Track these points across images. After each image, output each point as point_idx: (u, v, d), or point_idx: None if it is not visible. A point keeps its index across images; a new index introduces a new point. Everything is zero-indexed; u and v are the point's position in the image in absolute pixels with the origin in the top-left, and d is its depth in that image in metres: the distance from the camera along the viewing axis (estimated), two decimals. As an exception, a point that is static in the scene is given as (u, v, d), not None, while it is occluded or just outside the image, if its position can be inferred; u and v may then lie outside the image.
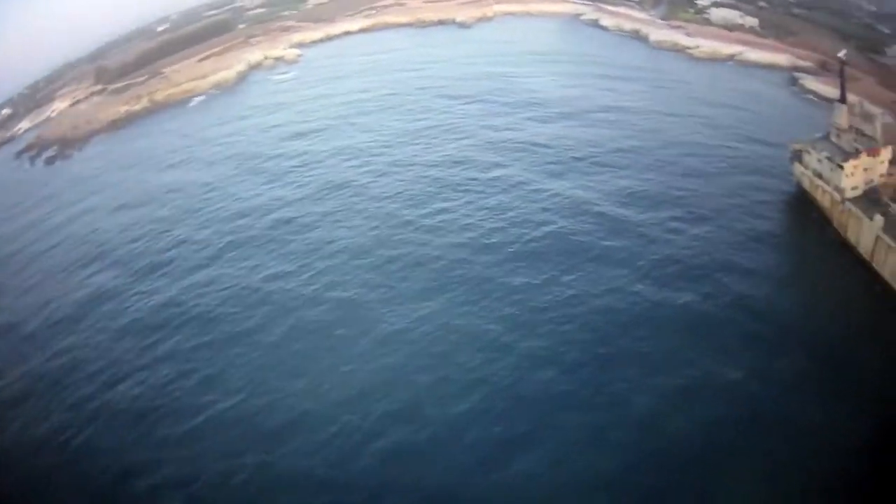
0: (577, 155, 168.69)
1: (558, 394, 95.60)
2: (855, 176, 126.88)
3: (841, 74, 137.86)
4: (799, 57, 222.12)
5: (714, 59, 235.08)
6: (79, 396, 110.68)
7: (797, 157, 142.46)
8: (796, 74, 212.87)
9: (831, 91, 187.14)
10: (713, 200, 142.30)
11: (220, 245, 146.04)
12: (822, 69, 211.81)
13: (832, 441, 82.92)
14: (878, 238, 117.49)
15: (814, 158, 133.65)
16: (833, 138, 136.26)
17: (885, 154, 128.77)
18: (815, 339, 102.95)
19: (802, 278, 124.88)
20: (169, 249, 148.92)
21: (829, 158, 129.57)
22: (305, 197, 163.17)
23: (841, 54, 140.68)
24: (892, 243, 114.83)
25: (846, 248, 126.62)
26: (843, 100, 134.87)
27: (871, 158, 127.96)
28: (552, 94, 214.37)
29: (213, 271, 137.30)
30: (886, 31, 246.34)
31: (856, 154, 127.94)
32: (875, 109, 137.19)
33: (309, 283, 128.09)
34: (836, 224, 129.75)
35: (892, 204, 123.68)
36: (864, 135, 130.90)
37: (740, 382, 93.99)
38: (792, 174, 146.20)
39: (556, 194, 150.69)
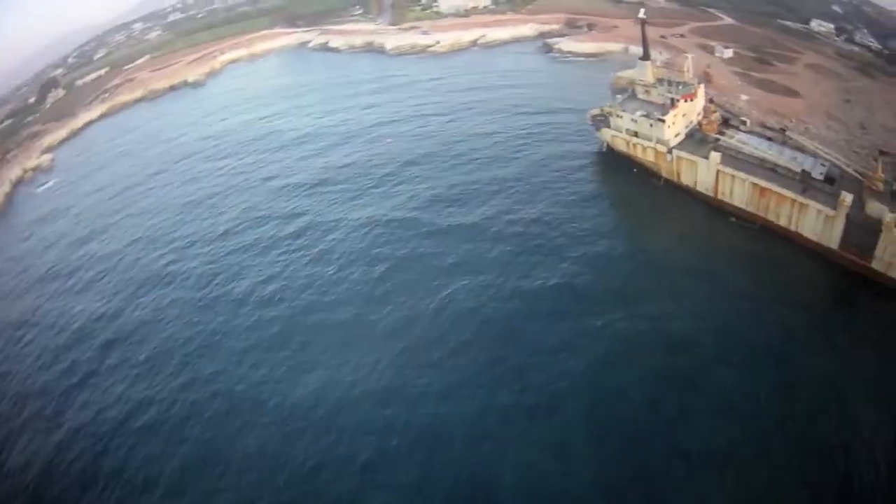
0: (370, 179, 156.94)
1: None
2: (676, 125, 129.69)
3: (643, 33, 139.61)
4: (543, 23, 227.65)
5: (459, 49, 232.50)
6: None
7: (603, 122, 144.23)
8: (548, 41, 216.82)
9: (586, 47, 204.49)
10: (531, 182, 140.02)
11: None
12: (569, 28, 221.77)
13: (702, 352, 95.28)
14: (718, 172, 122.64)
15: (626, 119, 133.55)
16: (641, 95, 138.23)
17: (700, 95, 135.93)
18: (703, 273, 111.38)
19: (657, 225, 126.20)
20: None
21: (645, 116, 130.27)
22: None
23: (641, 14, 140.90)
24: (735, 172, 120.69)
25: (682, 192, 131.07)
26: (646, 56, 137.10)
27: (688, 104, 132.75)
28: (313, 127, 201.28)
29: None
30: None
31: (672, 104, 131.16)
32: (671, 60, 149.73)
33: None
34: (665, 173, 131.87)
35: (719, 137, 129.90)
36: (673, 83, 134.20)
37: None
38: (597, 138, 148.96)
39: (375, 221, 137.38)
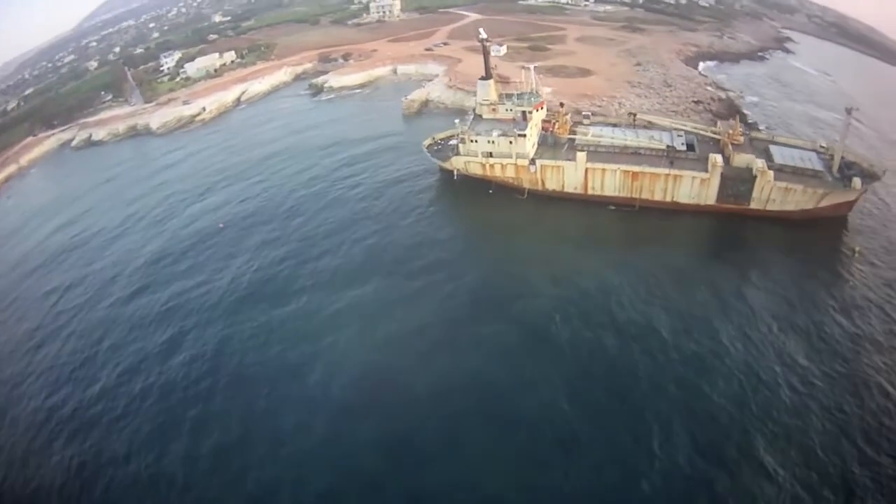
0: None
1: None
2: (532, 136, 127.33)
3: (484, 53, 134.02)
4: (296, 65, 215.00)
5: (227, 111, 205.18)
6: None
7: (440, 151, 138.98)
8: (315, 81, 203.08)
9: (356, 78, 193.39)
10: (388, 224, 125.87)
11: None
12: (323, 64, 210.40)
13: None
14: (587, 170, 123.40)
15: (483, 142, 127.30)
16: (487, 115, 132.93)
17: (544, 104, 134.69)
18: (609, 252, 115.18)
19: (539, 230, 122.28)
20: None
21: (504, 135, 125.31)
22: None
23: (481, 35, 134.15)
24: (605, 166, 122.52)
25: (549, 197, 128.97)
26: (488, 76, 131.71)
27: (539, 113, 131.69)
28: (112, 231, 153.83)
29: None
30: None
31: (524, 117, 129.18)
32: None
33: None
34: (528, 185, 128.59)
35: (573, 137, 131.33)
36: (524, 95, 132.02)
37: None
38: (439, 168, 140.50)
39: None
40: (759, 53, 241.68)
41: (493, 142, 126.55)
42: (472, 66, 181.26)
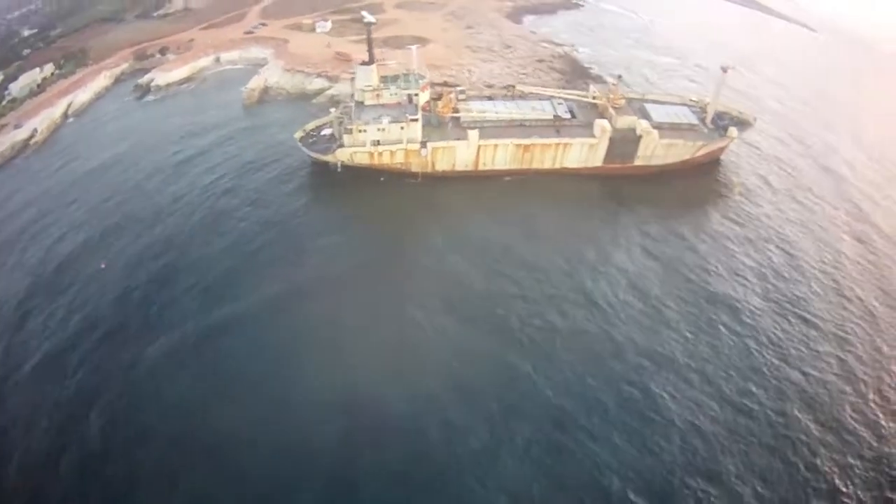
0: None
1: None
2: (420, 119, 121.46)
3: (368, 38, 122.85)
4: (113, 67, 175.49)
5: (57, 128, 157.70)
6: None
7: (314, 143, 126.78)
8: (140, 82, 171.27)
9: (180, 73, 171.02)
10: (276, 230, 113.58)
11: None
12: (140, 62, 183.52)
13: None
14: (479, 147, 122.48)
15: (372, 130, 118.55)
16: (370, 101, 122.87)
17: (428, 86, 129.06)
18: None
19: (443, 208, 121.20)
20: None
21: (395, 121, 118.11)
22: None
23: (368, 18, 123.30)
24: (497, 141, 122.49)
25: (440, 178, 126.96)
26: (371, 60, 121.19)
27: (424, 94, 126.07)
28: None
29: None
30: None
31: (410, 100, 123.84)
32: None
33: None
34: (419, 168, 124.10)
35: (457, 115, 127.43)
36: (411, 77, 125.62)
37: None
38: (314, 161, 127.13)
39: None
40: (574, 1, 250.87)
41: (383, 129, 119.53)
42: (302, 47, 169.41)
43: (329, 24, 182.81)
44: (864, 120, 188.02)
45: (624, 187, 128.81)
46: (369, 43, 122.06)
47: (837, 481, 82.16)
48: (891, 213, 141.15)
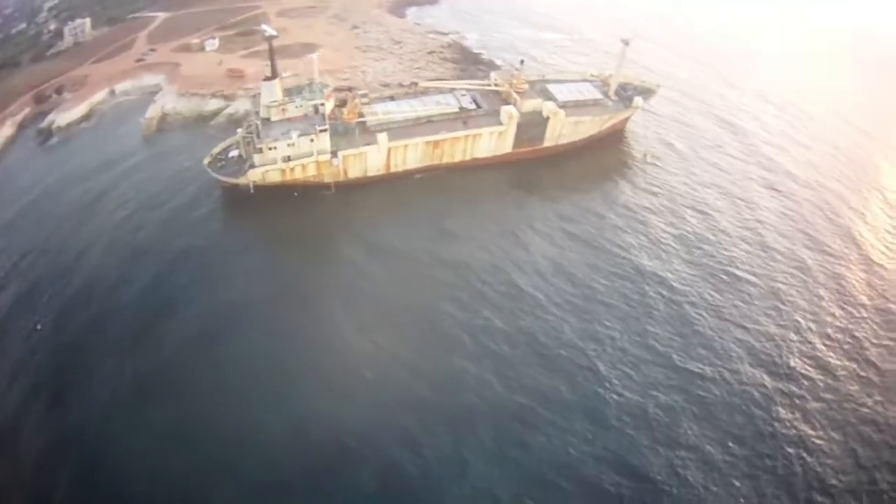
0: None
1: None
2: (328, 130, 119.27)
3: (270, 51, 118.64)
4: (15, 114, 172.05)
5: None
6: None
7: (224, 166, 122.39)
8: (42, 126, 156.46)
9: (80, 111, 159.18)
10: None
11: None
12: (40, 104, 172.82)
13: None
14: (390, 150, 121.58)
15: (283, 146, 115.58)
16: (276, 117, 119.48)
17: (332, 94, 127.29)
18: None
19: (360, 215, 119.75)
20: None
21: (304, 134, 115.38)
22: None
23: (267, 33, 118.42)
24: (407, 141, 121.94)
25: (353, 185, 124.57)
26: (273, 76, 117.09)
27: (329, 103, 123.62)
28: None
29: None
30: None
31: (317, 111, 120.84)
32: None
33: None
34: (331, 178, 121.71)
35: (362, 120, 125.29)
36: (316, 87, 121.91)
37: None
38: (228, 185, 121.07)
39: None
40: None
41: (293, 144, 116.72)
42: (194, 68, 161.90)
43: (217, 42, 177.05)
44: (765, 71, 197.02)
45: (534, 171, 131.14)
46: (272, 57, 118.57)
47: (803, 426, 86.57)
48: (803, 160, 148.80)
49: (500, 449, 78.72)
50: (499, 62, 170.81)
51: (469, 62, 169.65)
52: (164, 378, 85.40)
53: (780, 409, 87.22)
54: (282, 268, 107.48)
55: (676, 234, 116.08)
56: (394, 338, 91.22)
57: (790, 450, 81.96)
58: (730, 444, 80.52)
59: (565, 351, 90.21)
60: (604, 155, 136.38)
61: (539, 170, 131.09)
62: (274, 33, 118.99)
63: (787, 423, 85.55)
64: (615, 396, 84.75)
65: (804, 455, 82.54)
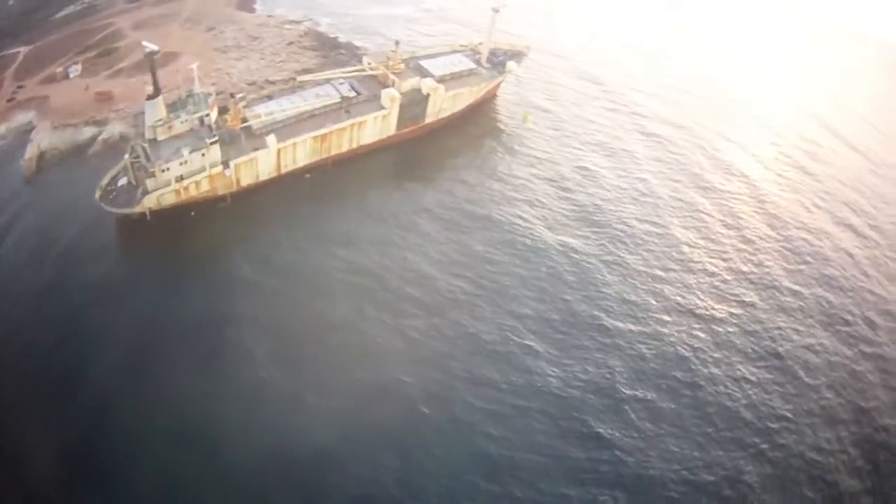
0: None
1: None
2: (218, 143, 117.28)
3: (152, 70, 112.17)
4: None
5: None
6: None
7: (115, 196, 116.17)
8: None
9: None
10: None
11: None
12: None
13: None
14: (279, 151, 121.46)
15: (175, 166, 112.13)
16: (163, 137, 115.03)
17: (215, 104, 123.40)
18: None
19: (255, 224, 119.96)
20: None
21: (195, 150, 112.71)
22: None
23: (148, 49, 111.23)
24: (295, 140, 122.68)
25: (250, 193, 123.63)
26: (156, 93, 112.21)
27: (214, 112, 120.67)
28: None
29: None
30: None
31: (201, 123, 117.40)
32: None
33: None
34: (226, 190, 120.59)
35: (247, 125, 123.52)
36: (199, 98, 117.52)
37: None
38: (122, 216, 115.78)
39: None
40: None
41: (185, 162, 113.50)
42: (62, 98, 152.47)
43: (80, 67, 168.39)
44: (627, 23, 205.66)
45: (418, 150, 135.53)
46: (153, 73, 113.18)
47: (734, 359, 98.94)
48: (671, 101, 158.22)
49: (442, 439, 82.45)
50: (357, 43, 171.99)
51: (329, 48, 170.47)
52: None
53: (707, 350, 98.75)
54: (186, 305, 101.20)
55: (568, 197, 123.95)
56: (319, 367, 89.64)
57: (721, 387, 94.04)
58: (652, 398, 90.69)
59: (498, 335, 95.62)
60: (482, 123, 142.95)
61: (423, 148, 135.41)
62: (155, 48, 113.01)
63: (720, 362, 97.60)
64: (555, 370, 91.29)
65: (731, 386, 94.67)
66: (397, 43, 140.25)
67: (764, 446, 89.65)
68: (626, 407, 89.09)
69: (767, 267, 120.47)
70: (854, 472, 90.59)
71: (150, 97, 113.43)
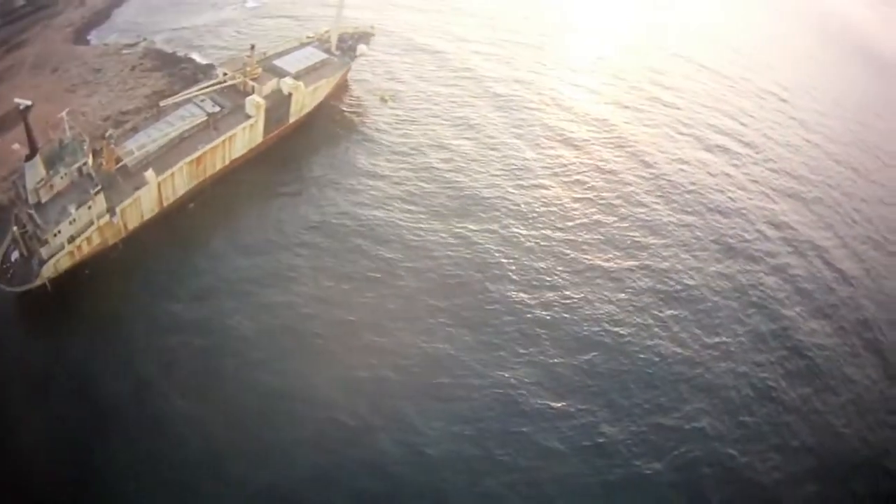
0: None
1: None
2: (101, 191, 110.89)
3: (27, 128, 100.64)
4: None
5: None
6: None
7: (15, 268, 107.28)
8: None
9: None
10: None
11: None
12: None
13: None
14: (159, 185, 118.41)
15: (66, 227, 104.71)
16: (46, 198, 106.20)
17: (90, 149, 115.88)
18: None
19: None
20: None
21: (81, 204, 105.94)
22: None
23: (22, 105, 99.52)
24: (172, 170, 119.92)
25: (139, 236, 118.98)
26: (34, 152, 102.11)
27: (91, 158, 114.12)
28: None
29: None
30: None
31: (81, 174, 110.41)
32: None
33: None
34: (117, 239, 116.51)
35: (123, 164, 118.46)
36: (77, 147, 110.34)
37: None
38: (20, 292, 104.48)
39: None
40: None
41: (75, 220, 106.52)
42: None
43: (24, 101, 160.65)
44: None
45: (286, 154, 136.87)
46: (28, 132, 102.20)
47: (665, 311, 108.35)
48: (508, 57, 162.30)
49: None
50: (195, 54, 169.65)
51: (171, 65, 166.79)
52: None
53: (623, 299, 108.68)
54: (101, 385, 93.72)
55: (441, 181, 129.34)
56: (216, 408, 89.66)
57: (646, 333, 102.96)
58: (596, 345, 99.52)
59: (408, 335, 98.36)
60: (339, 112, 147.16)
61: (290, 151, 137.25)
62: (28, 103, 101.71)
63: (641, 310, 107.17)
64: (482, 356, 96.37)
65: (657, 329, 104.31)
66: (253, 47, 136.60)
67: (708, 376, 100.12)
68: (560, 370, 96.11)
69: (655, 206, 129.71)
70: (787, 375, 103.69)
71: (28, 157, 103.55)
